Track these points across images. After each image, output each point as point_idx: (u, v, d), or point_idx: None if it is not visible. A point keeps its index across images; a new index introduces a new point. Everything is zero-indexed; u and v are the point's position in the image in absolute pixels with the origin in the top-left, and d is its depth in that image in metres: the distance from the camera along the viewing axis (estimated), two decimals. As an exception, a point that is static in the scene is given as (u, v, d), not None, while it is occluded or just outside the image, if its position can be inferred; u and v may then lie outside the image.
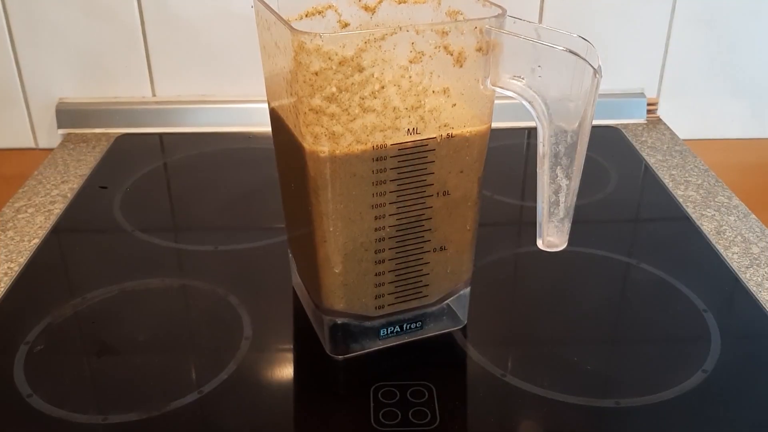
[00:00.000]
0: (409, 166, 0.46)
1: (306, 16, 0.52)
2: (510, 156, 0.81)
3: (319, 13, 0.53)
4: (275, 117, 0.51)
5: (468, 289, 0.54)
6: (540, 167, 0.46)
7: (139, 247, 0.65)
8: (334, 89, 0.42)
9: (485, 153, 0.49)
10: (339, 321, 0.51)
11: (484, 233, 0.54)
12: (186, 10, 0.85)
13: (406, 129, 0.45)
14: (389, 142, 0.45)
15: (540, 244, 0.49)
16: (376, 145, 0.45)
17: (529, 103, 0.45)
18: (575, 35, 0.45)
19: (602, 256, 0.63)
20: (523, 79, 0.44)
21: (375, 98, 0.43)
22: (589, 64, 0.42)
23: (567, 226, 0.48)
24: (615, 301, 0.59)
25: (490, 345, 0.54)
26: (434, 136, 0.46)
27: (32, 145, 0.91)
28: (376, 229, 0.48)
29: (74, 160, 0.82)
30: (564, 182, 0.46)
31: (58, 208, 0.71)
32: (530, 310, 0.58)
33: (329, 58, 0.41)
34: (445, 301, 0.54)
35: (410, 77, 0.43)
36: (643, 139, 0.86)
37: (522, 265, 0.63)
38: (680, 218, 0.70)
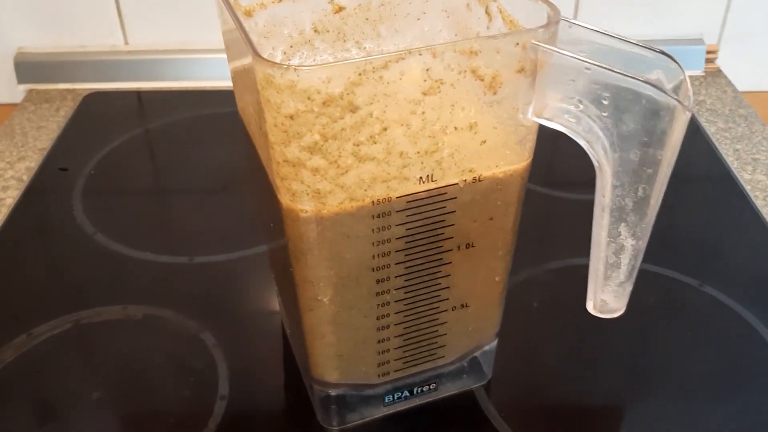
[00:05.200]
0: (420, 220, 0.35)
1: (287, -3, 0.39)
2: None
3: (304, -8, 0.40)
4: (244, 126, 0.40)
5: (495, 343, 0.44)
6: (597, 221, 0.35)
7: (99, 259, 0.55)
8: (316, 137, 0.30)
9: (523, 193, 0.37)
10: (333, 393, 0.41)
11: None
12: (158, -57, 0.71)
13: (418, 177, 0.33)
14: (394, 195, 0.33)
15: (590, 307, 0.38)
16: (377, 200, 0.33)
17: (588, 142, 0.32)
18: (657, 50, 0.32)
19: (654, 273, 0.52)
20: (580, 108, 0.32)
21: (375, 143, 0.31)
22: (676, 99, 0.30)
23: (628, 290, 0.37)
24: (676, 339, 0.48)
25: (516, 405, 0.44)
26: (455, 182, 0.34)
27: (-10, 99, 0.79)
28: (377, 294, 0.37)
29: (34, 128, 0.70)
30: (629, 242, 0.35)
31: (10, 198, 0.61)
32: (573, 353, 0.48)
33: (308, 98, 0.29)
34: (466, 359, 0.43)
35: (423, 113, 0.31)
36: (701, 98, 0.73)
37: (558, 285, 0.52)
38: (752, 222, 0.58)
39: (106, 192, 0.62)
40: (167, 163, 0.67)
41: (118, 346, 0.48)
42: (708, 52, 0.77)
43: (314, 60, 0.42)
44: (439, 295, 0.39)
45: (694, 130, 0.68)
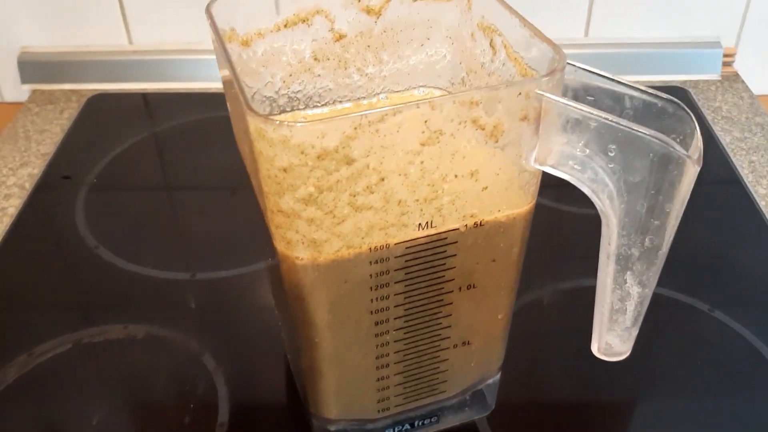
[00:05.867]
0: (420, 264, 0.34)
1: (285, 26, 0.38)
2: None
3: (304, 21, 0.38)
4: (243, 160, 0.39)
5: (498, 376, 0.43)
6: (603, 267, 0.34)
7: (101, 275, 0.54)
8: (311, 189, 0.29)
9: (528, 234, 0.36)
10: (332, 428, 0.41)
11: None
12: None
13: (417, 224, 0.32)
14: (393, 242, 0.33)
15: (595, 350, 0.37)
16: (375, 247, 0.32)
17: (593, 192, 0.31)
18: (664, 96, 0.31)
19: (659, 295, 0.51)
20: (586, 157, 0.31)
21: (372, 193, 0.30)
22: (685, 155, 0.29)
23: (634, 333, 0.36)
24: (684, 369, 0.47)
25: (522, 437, 0.43)
26: (456, 227, 0.33)
27: (-6, 98, 0.78)
28: (376, 335, 0.36)
29: (37, 132, 0.70)
30: (635, 290, 0.34)
31: (12, 208, 0.60)
32: (579, 381, 0.47)
33: (302, 153, 0.28)
34: (469, 392, 0.42)
35: (422, 163, 0.30)
36: (717, 104, 0.71)
37: (567, 308, 0.51)
38: (767, 241, 0.56)
39: (108, 202, 0.61)
40: (172, 170, 0.66)
41: (118, 368, 0.48)
42: (725, 55, 0.75)
43: (315, 87, 0.41)
44: (440, 334, 0.38)
45: (707, 137, 0.66)
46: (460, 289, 0.36)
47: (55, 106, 0.73)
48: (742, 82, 0.74)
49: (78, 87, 0.76)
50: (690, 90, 0.73)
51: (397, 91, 0.42)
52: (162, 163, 0.67)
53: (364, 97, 0.42)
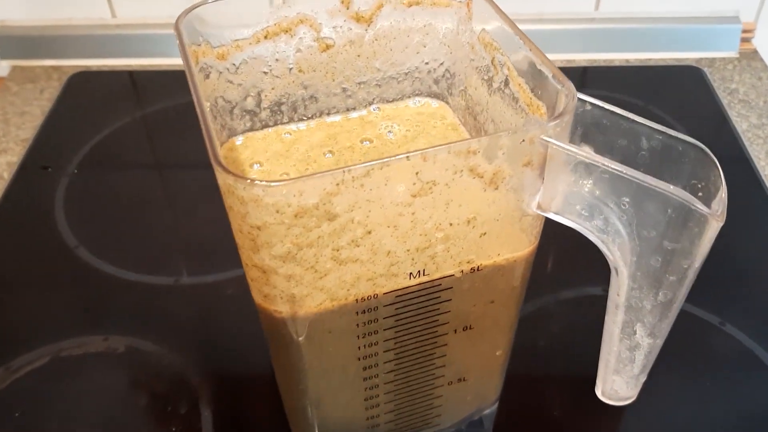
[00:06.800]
0: (412, 311, 0.31)
1: (266, 37, 0.35)
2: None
3: (286, 31, 0.35)
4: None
5: (495, 406, 0.41)
6: (611, 316, 0.31)
7: (81, 279, 0.51)
8: (289, 246, 0.26)
9: (529, 274, 0.33)
10: (320, 464, 0.38)
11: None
12: None
13: (408, 273, 0.29)
14: (381, 291, 0.30)
15: (599, 393, 0.35)
16: (362, 298, 0.30)
17: (602, 242, 0.28)
18: (687, 140, 0.27)
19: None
20: (595, 206, 0.28)
21: (357, 246, 0.27)
22: (707, 212, 0.26)
23: (642, 380, 0.34)
24: (693, 387, 0.45)
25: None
26: (451, 273, 0.30)
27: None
28: (365, 378, 0.34)
29: (17, 114, 0.66)
30: (645, 341, 0.31)
31: (-11, 202, 0.57)
32: (583, 397, 0.44)
33: (277, 212, 0.25)
34: (465, 422, 0.40)
35: (413, 214, 0.27)
36: (734, 86, 0.67)
37: (570, 318, 0.48)
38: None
39: (90, 195, 0.58)
40: (161, 159, 0.63)
41: (98, 384, 0.45)
42: (744, 31, 0.70)
43: (300, 99, 0.37)
44: (433, 373, 0.35)
45: (722, 123, 0.63)
46: (455, 331, 0.33)
47: (35, 85, 0.69)
48: (761, 60, 0.70)
49: (59, 63, 0.72)
50: (705, 69, 0.69)
51: (391, 101, 0.39)
52: (149, 150, 0.64)
53: (354, 108, 0.39)
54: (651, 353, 0.31)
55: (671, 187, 0.25)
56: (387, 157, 0.25)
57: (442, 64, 0.38)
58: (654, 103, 0.64)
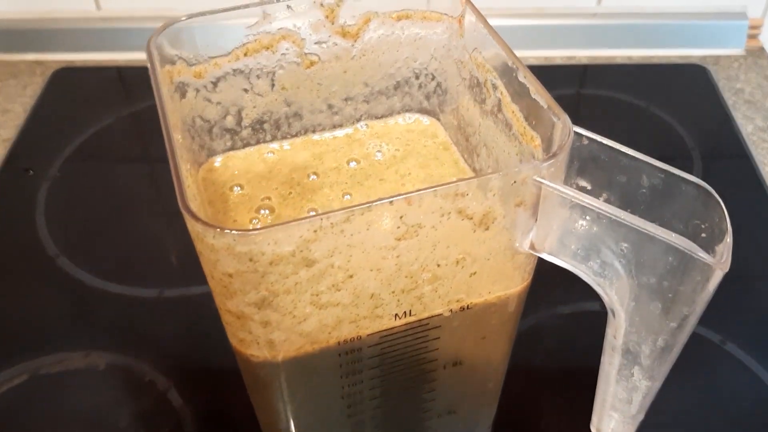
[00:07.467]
0: (399, 349, 0.30)
1: (245, 54, 0.33)
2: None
3: (267, 47, 0.33)
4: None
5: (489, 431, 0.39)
6: (607, 357, 0.29)
7: (61, 291, 0.50)
8: (264, 293, 0.25)
9: (522, 309, 0.31)
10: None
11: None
12: None
13: (393, 314, 0.28)
14: (365, 333, 0.28)
15: (594, 431, 0.33)
16: (344, 340, 0.28)
17: (599, 285, 0.27)
18: (690, 179, 0.26)
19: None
20: (591, 246, 0.26)
21: (339, 290, 0.26)
22: (711, 261, 0.24)
23: (639, 418, 0.32)
24: (691, 405, 0.43)
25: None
26: (440, 312, 0.29)
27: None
28: (350, 416, 0.32)
29: (-2, 112, 0.64)
30: (643, 383, 0.29)
31: (-31, 206, 0.55)
32: (581, 417, 0.43)
33: (251, 260, 0.23)
34: (454, 451, 0.39)
35: (398, 257, 0.25)
36: (739, 85, 0.65)
37: (567, 335, 0.47)
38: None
39: (73, 200, 0.56)
40: (147, 161, 0.61)
41: (78, 403, 0.44)
42: (750, 27, 0.68)
43: (284, 116, 0.35)
44: (422, 407, 0.34)
45: (726, 125, 0.61)
46: (444, 367, 0.32)
47: (18, 81, 0.67)
48: (768, 58, 0.68)
49: (42, 57, 0.69)
50: (710, 67, 0.67)
51: (380, 117, 0.37)
52: (138, 151, 0.62)
53: (341, 125, 0.37)
54: (649, 394, 0.30)
55: (673, 235, 0.23)
56: (368, 202, 0.23)
57: (433, 78, 0.36)
58: (656, 104, 0.62)
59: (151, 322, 0.48)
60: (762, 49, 0.69)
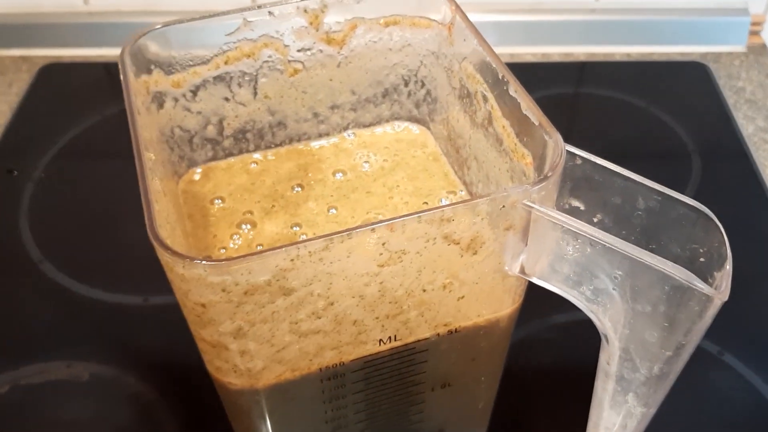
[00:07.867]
0: (385, 374, 0.29)
1: (226, 63, 0.31)
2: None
3: (248, 56, 0.31)
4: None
5: (479, 450, 0.38)
6: (600, 382, 0.28)
7: (44, 298, 0.48)
8: (240, 323, 0.23)
9: (513, 328, 0.30)
10: None
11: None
12: None
13: (378, 340, 0.27)
14: (348, 359, 0.27)
15: (588, 452, 0.32)
16: (327, 366, 0.27)
17: (592, 312, 0.26)
18: (688, 202, 0.24)
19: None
20: (584, 272, 0.25)
21: (319, 318, 0.25)
22: (709, 291, 0.23)
23: (634, 442, 0.31)
24: (688, 419, 0.42)
25: None
26: (426, 336, 0.27)
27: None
28: (335, 438, 0.31)
29: (-17, 110, 0.63)
30: (638, 410, 0.28)
31: (-49, 209, 0.54)
32: (579, 426, 0.42)
33: (223, 290, 0.22)
34: (445, 469, 0.38)
35: (381, 283, 0.24)
36: (740, 84, 0.64)
37: (562, 345, 0.46)
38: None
39: (58, 202, 0.55)
40: (132, 163, 0.60)
41: (60, 416, 0.43)
42: (752, 23, 0.66)
43: (267, 125, 0.34)
44: (410, 429, 0.33)
45: (726, 125, 0.59)
46: (432, 389, 0.31)
47: (3, 78, 0.66)
48: (770, 55, 0.66)
49: (28, 53, 0.68)
50: (710, 65, 0.65)
51: (368, 126, 0.36)
52: (126, 152, 0.60)
53: (327, 134, 0.35)
54: (644, 420, 0.29)
55: (669, 264, 0.22)
56: (348, 229, 0.22)
57: (423, 85, 0.35)
58: (655, 102, 0.61)
59: (136, 330, 0.47)
60: (764, 46, 0.67)
